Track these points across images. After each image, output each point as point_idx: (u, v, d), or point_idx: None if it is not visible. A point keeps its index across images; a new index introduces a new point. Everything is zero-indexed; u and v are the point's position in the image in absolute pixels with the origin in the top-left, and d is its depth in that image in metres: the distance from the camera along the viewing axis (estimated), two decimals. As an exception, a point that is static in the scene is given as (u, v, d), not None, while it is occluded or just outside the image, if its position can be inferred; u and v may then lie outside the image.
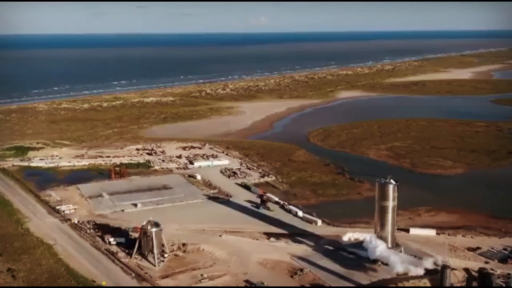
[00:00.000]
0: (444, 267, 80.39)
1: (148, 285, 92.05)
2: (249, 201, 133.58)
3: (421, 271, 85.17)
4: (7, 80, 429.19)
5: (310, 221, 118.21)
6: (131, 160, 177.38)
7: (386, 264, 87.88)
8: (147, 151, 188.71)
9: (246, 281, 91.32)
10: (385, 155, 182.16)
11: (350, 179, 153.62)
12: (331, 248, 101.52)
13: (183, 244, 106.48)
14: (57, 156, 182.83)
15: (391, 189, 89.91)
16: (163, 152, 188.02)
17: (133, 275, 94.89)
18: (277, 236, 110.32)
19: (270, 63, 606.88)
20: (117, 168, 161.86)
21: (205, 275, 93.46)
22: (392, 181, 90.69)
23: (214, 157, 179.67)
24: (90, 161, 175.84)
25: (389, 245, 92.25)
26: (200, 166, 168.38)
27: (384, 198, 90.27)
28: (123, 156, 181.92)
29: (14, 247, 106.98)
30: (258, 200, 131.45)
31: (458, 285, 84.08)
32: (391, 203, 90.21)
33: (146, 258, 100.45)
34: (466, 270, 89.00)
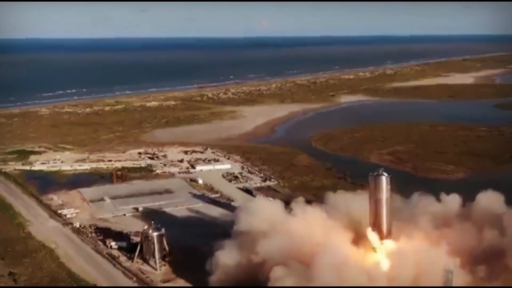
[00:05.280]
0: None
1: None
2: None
3: None
4: (9, 84, 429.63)
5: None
6: (133, 164, 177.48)
7: None
8: (149, 155, 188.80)
9: None
10: (387, 160, 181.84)
11: (351, 183, 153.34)
12: None
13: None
14: (59, 160, 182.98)
15: (384, 181, 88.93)
16: (165, 156, 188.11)
17: (135, 279, 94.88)
18: None
19: (271, 67, 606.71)
20: (119, 172, 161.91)
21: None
22: (384, 173, 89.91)
23: (216, 161, 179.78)
24: (92, 165, 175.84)
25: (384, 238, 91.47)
26: (201, 170, 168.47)
27: (377, 190, 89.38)
28: (125, 160, 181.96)
29: (16, 251, 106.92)
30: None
31: None
32: (384, 195, 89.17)
33: (147, 262, 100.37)
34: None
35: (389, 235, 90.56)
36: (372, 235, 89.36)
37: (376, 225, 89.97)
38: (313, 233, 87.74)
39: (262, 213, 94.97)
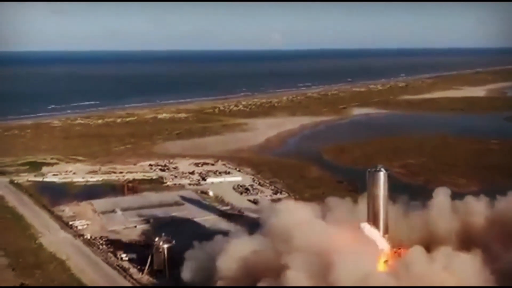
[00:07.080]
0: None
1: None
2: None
3: None
4: (22, 96, 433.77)
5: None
6: (144, 176, 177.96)
7: None
8: (160, 167, 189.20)
9: None
10: (399, 173, 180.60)
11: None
12: None
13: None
14: (70, 171, 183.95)
15: (382, 177, 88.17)
16: (176, 168, 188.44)
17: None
18: None
19: (283, 80, 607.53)
20: (130, 184, 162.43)
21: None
22: (382, 169, 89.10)
23: (227, 173, 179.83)
24: (103, 177, 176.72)
25: (381, 234, 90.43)
26: (212, 183, 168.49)
27: (375, 186, 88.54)
28: (136, 172, 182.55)
29: (27, 262, 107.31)
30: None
31: None
32: (382, 191, 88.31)
33: (158, 274, 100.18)
34: None
35: (386, 231, 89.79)
36: (372, 231, 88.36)
37: (373, 221, 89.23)
38: (342, 238, 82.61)
39: (293, 213, 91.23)
